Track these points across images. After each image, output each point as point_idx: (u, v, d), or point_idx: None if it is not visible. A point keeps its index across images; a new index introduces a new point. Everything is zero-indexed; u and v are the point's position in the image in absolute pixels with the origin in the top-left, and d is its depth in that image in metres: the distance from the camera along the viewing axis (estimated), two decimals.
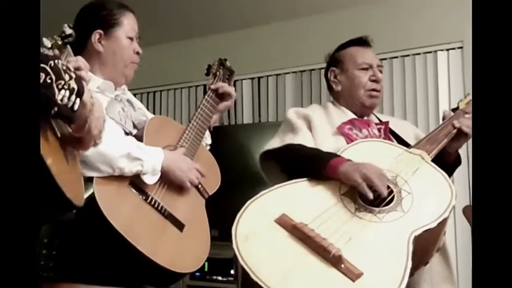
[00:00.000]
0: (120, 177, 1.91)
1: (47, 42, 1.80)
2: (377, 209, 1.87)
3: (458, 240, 3.75)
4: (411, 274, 1.71)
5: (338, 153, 2.07)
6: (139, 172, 1.92)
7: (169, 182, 2.03)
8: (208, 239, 2.11)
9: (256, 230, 1.82)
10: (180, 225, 2.01)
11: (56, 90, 1.12)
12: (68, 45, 1.85)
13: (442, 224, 1.85)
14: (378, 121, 2.41)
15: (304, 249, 1.74)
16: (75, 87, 1.17)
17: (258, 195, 1.94)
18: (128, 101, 2.18)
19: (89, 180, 1.82)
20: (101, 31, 2.10)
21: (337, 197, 1.93)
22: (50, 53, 1.80)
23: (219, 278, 3.88)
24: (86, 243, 1.83)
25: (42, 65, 1.09)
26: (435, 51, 4.14)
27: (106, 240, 1.81)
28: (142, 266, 1.84)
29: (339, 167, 1.96)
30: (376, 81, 2.36)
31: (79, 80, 1.20)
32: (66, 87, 1.14)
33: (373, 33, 2.50)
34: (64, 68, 1.16)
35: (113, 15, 2.13)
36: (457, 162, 2.30)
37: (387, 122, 2.35)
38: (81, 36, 1.94)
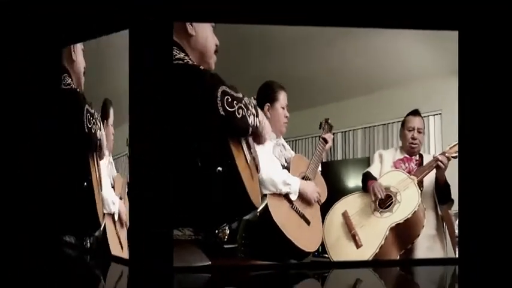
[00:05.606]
0: (281, 195, 2.33)
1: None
2: (381, 210, 2.47)
3: None
4: (404, 248, 2.44)
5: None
6: (288, 192, 2.33)
7: (303, 198, 2.40)
8: (322, 230, 2.45)
9: (332, 218, 2.49)
10: (308, 222, 2.39)
11: (248, 119, 1.51)
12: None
13: (410, 221, 2.44)
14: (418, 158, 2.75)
15: (346, 229, 2.47)
16: (255, 113, 1.56)
17: (339, 200, 2.54)
18: (282, 145, 2.47)
19: (263, 196, 2.24)
20: (269, 104, 2.34)
21: (369, 202, 2.51)
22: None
23: (325, 255, 4.14)
24: (264, 233, 2.26)
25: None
26: None
27: (274, 231, 2.26)
28: (290, 247, 2.29)
29: (370, 186, 2.52)
30: (413, 138, 2.69)
31: (256, 108, 1.57)
32: (252, 115, 1.52)
33: None
34: (251, 105, 1.53)
35: (274, 93, 2.37)
36: (446, 184, 2.61)
37: (421, 157, 2.70)
38: (260, 106, 2.25)
